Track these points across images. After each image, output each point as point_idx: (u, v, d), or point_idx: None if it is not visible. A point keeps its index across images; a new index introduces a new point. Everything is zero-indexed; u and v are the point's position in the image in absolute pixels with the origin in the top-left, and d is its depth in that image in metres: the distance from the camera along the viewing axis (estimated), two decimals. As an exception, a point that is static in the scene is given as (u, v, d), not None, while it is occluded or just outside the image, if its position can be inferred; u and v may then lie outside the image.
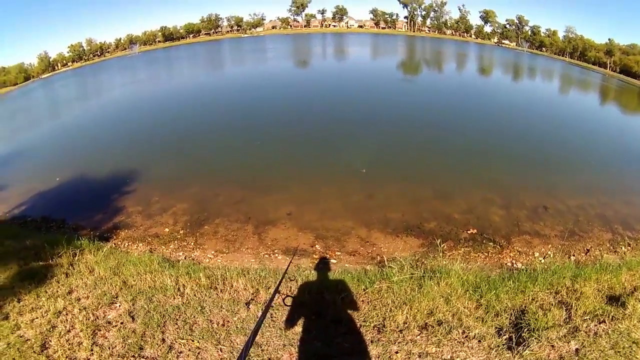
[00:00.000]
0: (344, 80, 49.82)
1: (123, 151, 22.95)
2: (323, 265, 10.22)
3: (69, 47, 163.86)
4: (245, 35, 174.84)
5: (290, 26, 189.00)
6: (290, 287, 7.56)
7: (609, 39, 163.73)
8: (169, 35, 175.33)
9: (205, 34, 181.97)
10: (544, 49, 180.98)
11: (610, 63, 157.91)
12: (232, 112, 31.22)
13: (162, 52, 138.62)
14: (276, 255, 11.57)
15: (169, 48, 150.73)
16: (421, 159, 20.51)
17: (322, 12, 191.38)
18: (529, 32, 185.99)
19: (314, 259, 11.11)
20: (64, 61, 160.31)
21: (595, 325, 6.22)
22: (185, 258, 11.16)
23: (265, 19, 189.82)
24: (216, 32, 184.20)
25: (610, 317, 6.43)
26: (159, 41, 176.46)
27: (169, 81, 60.95)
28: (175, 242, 12.63)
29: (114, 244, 11.93)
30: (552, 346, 5.68)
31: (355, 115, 28.76)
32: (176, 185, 17.24)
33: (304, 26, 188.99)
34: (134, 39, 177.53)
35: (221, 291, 7.30)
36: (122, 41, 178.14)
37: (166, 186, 17.13)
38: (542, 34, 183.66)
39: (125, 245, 12.19)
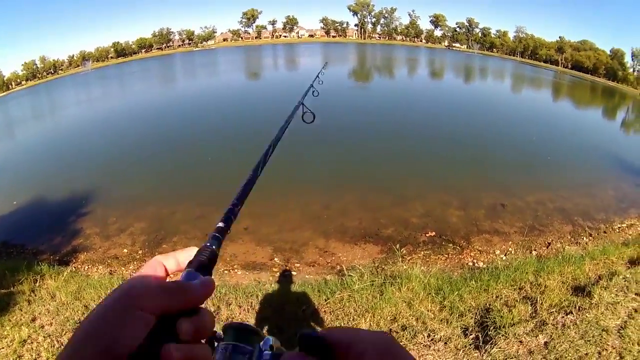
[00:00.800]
0: (295, 90, 49.82)
1: (79, 171, 22.17)
2: (283, 278, 10.05)
3: (22, 65, 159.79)
4: (197, 49, 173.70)
5: (242, 38, 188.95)
6: (251, 303, 7.38)
7: (560, 37, 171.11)
8: (121, 51, 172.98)
9: (157, 48, 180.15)
10: (494, 49, 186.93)
11: (562, 60, 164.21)
12: (183, 128, 30.75)
13: (115, 68, 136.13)
14: (235, 270, 11.34)
15: (121, 64, 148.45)
16: (377, 166, 20.42)
17: (273, 23, 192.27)
18: (480, 34, 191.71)
19: (273, 272, 10.93)
20: (18, 80, 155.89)
21: (563, 317, 6.24)
22: None
23: (216, 32, 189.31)
24: (168, 47, 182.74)
25: (577, 307, 6.47)
26: (112, 57, 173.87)
27: (123, 98, 59.94)
28: (135, 262, 12.24)
29: (74, 267, 11.54)
30: (520, 342, 5.66)
31: (307, 125, 28.65)
32: (132, 204, 16.80)
33: (255, 38, 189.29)
34: (86, 56, 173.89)
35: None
36: (75, 58, 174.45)
37: (123, 206, 16.68)
38: (493, 35, 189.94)
39: (85, 269, 11.76)
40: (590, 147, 30.62)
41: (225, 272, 11.18)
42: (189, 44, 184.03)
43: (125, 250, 13.10)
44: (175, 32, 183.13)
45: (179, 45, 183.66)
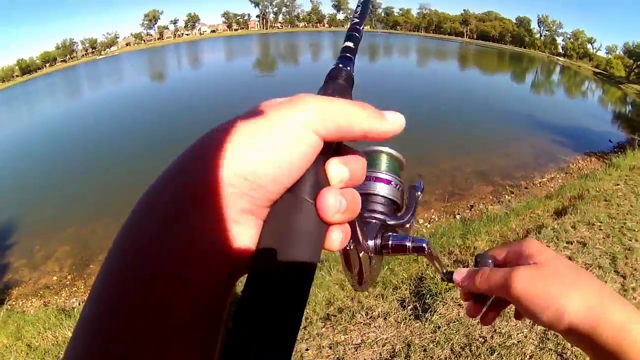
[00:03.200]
0: (203, 87, 49.11)
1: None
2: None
3: None
4: (101, 57, 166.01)
5: (144, 41, 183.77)
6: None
7: (464, 10, 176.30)
8: (26, 68, 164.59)
9: (62, 61, 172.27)
10: (398, 27, 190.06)
11: (467, 31, 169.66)
12: (86, 142, 29.65)
13: (20, 87, 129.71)
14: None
15: (26, 82, 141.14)
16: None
17: (175, 22, 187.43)
18: (382, 14, 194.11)
19: None
20: None
21: (495, 275, 6.30)
22: (79, 304, 10.37)
23: (119, 37, 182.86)
24: (72, 58, 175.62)
25: None
26: (17, 76, 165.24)
27: (25, 120, 57.17)
28: (66, 289, 11.80)
29: (9, 305, 11.02)
30: (460, 305, 5.66)
31: (219, 119, 28.25)
32: (53, 227, 16.03)
33: (158, 39, 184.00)
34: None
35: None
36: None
37: (44, 231, 15.90)
38: (396, 14, 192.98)
39: (20, 305, 11.26)
40: (502, 110, 31.85)
41: None
42: (93, 52, 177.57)
43: (55, 278, 12.58)
44: (78, 42, 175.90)
45: (83, 55, 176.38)
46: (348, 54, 0.74)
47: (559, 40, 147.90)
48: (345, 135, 0.53)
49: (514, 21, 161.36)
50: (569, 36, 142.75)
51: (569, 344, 4.57)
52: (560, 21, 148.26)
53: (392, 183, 1.05)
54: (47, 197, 19.59)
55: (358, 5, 0.81)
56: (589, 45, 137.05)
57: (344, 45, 0.78)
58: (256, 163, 0.46)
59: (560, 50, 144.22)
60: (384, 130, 0.58)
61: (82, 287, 11.74)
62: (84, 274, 12.40)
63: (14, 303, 11.43)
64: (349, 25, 0.84)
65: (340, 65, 0.70)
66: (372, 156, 1.07)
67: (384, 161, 1.04)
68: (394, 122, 0.60)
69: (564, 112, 36.91)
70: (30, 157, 27.82)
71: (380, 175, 1.09)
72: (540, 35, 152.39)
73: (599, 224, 7.94)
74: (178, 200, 0.46)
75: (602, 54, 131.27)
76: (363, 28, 0.85)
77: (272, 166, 0.46)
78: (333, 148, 0.56)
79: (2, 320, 8.24)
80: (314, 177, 0.51)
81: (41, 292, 11.84)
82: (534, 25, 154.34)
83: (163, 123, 29.22)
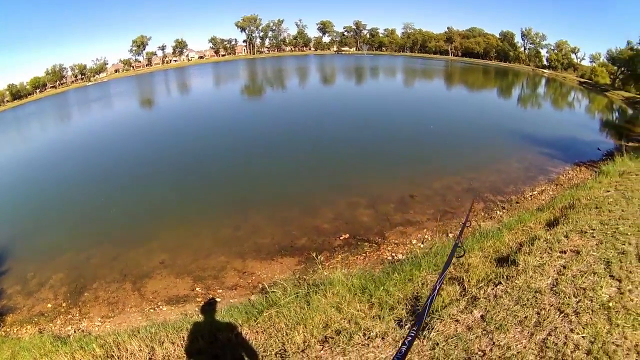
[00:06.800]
0: (191, 113, 49.18)
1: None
2: (208, 306, 9.95)
3: None
4: (90, 83, 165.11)
5: (133, 67, 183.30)
6: (183, 337, 7.19)
7: (448, 27, 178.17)
8: (16, 93, 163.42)
9: (52, 86, 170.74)
10: (384, 48, 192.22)
11: (451, 49, 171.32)
12: (81, 167, 29.51)
13: (10, 112, 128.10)
14: (160, 307, 11.13)
15: (16, 108, 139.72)
16: (277, 180, 20.54)
17: (163, 48, 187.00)
18: (368, 35, 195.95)
19: (197, 302, 10.90)
20: None
21: (493, 289, 6.49)
22: (74, 331, 10.55)
23: (107, 64, 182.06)
24: (62, 84, 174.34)
25: (505, 277, 6.78)
26: (8, 101, 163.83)
27: (19, 145, 56.43)
28: (61, 316, 11.84)
29: (4, 332, 11.15)
30: (457, 320, 5.79)
31: (204, 148, 28.30)
32: (47, 254, 15.97)
33: (146, 65, 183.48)
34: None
35: (118, 358, 6.84)
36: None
37: (38, 257, 15.84)
38: (381, 35, 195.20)
39: (15, 331, 11.29)
40: (490, 126, 32.24)
41: (151, 310, 11.02)
42: (82, 78, 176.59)
43: (50, 305, 12.62)
44: (68, 68, 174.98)
45: (73, 82, 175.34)
46: None
47: (543, 52, 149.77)
48: None
49: (498, 36, 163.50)
50: (552, 48, 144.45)
51: (569, 351, 4.69)
52: (544, 33, 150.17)
53: None
54: (41, 224, 19.51)
55: None
56: (573, 55, 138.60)
57: None
58: None
59: (545, 62, 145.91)
60: None
61: (77, 315, 11.78)
62: (79, 302, 12.46)
63: (8, 329, 11.46)
64: None
65: None
66: None
67: None
68: None
69: (552, 124, 37.45)
70: (25, 184, 27.68)
71: None
72: (525, 49, 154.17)
73: (591, 231, 8.14)
74: None
75: (586, 63, 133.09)
76: None
77: None
78: None
79: (-3, 348, 8.31)
80: None
81: (36, 319, 11.87)
82: (517, 39, 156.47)
83: (155, 151, 29.22)
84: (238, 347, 6.58)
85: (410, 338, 2.23)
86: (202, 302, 10.71)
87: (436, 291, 3.22)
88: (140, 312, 11.25)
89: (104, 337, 7.86)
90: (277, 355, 6.08)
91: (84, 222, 18.71)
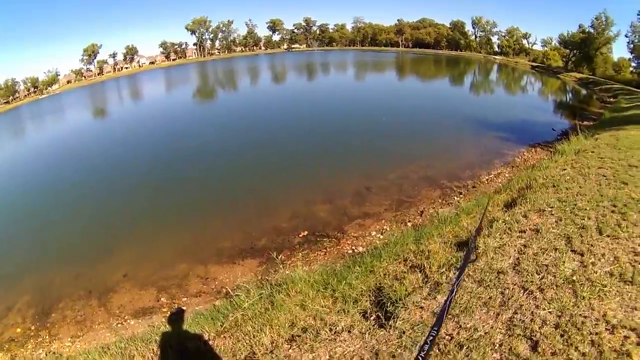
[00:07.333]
0: (144, 120, 48.42)
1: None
2: (175, 316, 9.78)
3: None
4: (44, 96, 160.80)
5: (84, 77, 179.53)
6: (153, 349, 7.06)
7: (398, 20, 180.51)
8: None
9: (5, 102, 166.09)
10: (334, 43, 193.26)
11: (402, 40, 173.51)
12: (37, 190, 28.88)
13: None
14: (128, 321, 10.96)
15: None
16: (230, 183, 20.36)
17: (114, 55, 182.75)
18: (318, 32, 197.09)
19: (163, 312, 10.77)
20: None
21: (455, 273, 6.48)
22: (46, 354, 10.32)
23: (59, 75, 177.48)
24: (15, 99, 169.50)
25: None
26: None
27: None
28: (31, 340, 11.50)
29: None
30: (421, 307, 5.79)
31: (156, 157, 27.87)
32: (11, 278, 15.58)
33: (98, 74, 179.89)
34: None
35: (91, 378, 6.72)
36: None
37: (2, 281, 15.50)
38: (331, 30, 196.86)
39: None
40: (443, 115, 32.74)
41: (119, 325, 10.85)
42: (35, 91, 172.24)
43: (19, 330, 12.24)
44: (20, 82, 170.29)
45: (25, 96, 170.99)
46: None
47: (495, 39, 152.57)
48: None
49: (448, 26, 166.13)
50: (504, 34, 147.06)
51: (537, 327, 4.71)
52: (495, 21, 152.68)
53: None
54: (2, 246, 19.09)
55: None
56: (524, 41, 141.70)
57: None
58: None
59: (497, 49, 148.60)
60: None
61: (47, 337, 11.50)
62: (47, 324, 12.14)
63: (-21, 360, 11.19)
64: None
65: None
66: None
67: None
68: None
69: (505, 109, 38.21)
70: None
71: None
72: (476, 37, 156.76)
73: (549, 209, 8.25)
74: None
75: (538, 47, 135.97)
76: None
77: None
78: None
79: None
80: None
81: (7, 346, 11.52)
82: (468, 28, 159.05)
83: (108, 162, 28.68)
84: (207, 354, 6.51)
85: (431, 338, 2.22)
86: (169, 312, 10.59)
87: (454, 293, 3.19)
88: (108, 328, 11.06)
89: (75, 358, 7.79)
90: (247, 358, 6.02)
91: (42, 241, 18.27)
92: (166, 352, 6.89)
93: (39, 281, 14.71)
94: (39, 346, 11.12)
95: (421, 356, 2.15)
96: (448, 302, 2.86)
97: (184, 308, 10.62)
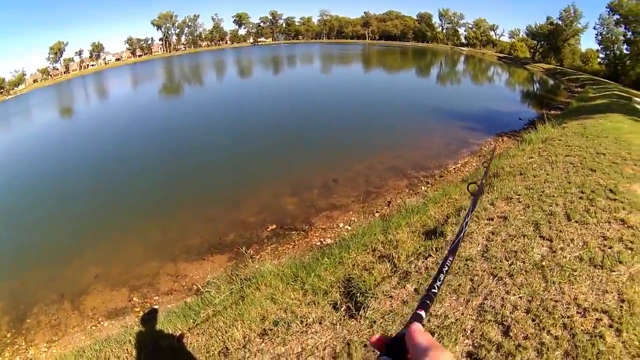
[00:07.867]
0: (110, 118, 47.79)
1: None
2: (147, 315, 9.75)
3: None
4: (10, 97, 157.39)
5: (51, 76, 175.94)
6: (127, 350, 6.99)
7: (365, 12, 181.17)
8: None
9: None
10: (300, 37, 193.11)
11: (368, 33, 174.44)
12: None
13: None
14: (102, 323, 10.82)
15: None
16: (197, 178, 20.18)
17: (80, 53, 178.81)
18: (284, 25, 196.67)
19: (136, 312, 10.66)
20: None
21: (423, 262, 6.57)
22: None
23: (26, 74, 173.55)
24: None
25: (434, 249, 6.89)
26: None
27: None
28: (8, 348, 11.27)
29: None
30: (391, 296, 5.81)
31: (121, 153, 27.54)
32: None
33: (64, 72, 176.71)
34: None
35: (68, 383, 6.64)
36: None
37: None
38: (297, 24, 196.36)
39: None
40: (409, 105, 32.95)
41: (93, 328, 10.70)
42: (1, 92, 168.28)
43: None
44: None
45: None
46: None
47: (462, 31, 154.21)
48: None
49: (415, 18, 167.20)
50: (471, 26, 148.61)
51: (508, 312, 4.75)
52: (462, 12, 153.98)
53: None
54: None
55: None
56: (491, 32, 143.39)
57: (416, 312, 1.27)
58: None
59: (464, 41, 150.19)
60: None
61: (23, 344, 11.33)
62: (22, 330, 11.93)
63: (-44, 372, 11.00)
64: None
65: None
66: None
67: None
68: None
69: (472, 99, 38.60)
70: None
71: None
72: (443, 29, 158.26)
73: (517, 196, 8.34)
74: None
75: (505, 39, 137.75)
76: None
77: None
78: None
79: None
80: None
81: None
82: (435, 20, 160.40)
83: (73, 160, 28.22)
84: (181, 351, 6.49)
85: (449, 262, 2.17)
86: (141, 312, 10.50)
87: (466, 226, 3.08)
88: (82, 331, 10.94)
89: (52, 364, 7.73)
90: (220, 354, 6.01)
91: (12, 245, 18.03)
92: (141, 352, 6.84)
93: (11, 285, 14.46)
94: (16, 354, 10.94)
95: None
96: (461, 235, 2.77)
97: (157, 307, 10.56)
